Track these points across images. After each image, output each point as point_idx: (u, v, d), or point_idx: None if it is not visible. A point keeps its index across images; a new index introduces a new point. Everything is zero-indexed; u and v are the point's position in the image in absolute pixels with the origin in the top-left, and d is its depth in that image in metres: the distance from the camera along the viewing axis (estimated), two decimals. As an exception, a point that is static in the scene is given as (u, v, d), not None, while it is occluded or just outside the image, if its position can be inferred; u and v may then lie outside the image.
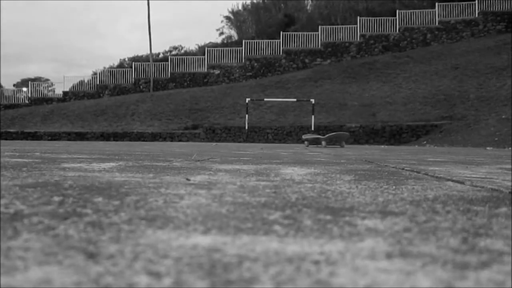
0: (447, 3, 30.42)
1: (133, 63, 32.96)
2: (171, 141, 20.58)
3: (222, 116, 23.59)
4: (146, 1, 34.67)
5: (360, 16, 31.18)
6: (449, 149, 10.95)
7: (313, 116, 20.14)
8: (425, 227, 0.75)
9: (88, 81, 32.67)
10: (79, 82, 32.90)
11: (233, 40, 40.77)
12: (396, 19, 30.36)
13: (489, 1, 30.34)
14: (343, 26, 31.15)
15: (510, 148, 12.14)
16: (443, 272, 0.46)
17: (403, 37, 30.21)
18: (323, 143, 11.90)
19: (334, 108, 22.97)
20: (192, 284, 0.41)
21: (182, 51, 43.89)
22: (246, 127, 20.78)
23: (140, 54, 43.96)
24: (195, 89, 28.37)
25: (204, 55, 31.63)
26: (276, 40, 31.04)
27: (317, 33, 30.57)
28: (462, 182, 1.62)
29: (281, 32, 31.22)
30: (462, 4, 30.42)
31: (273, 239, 0.64)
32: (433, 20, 30.40)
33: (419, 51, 28.79)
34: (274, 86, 26.78)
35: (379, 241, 0.63)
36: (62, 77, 33.25)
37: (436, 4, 30.42)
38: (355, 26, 30.40)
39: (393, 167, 2.49)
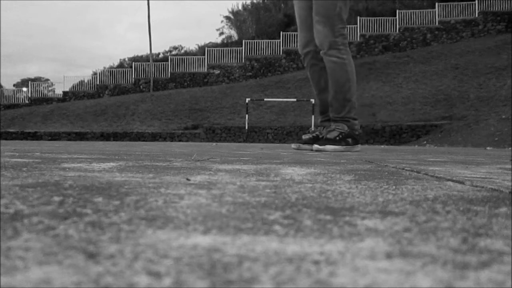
0: (447, 3, 30.42)
1: (133, 63, 32.96)
2: (171, 141, 20.57)
3: (222, 116, 23.58)
4: (146, 1, 34.67)
5: (360, 16, 31.18)
6: (449, 149, 10.95)
7: (313, 116, 20.14)
8: (425, 227, 0.75)
9: (88, 81, 32.69)
10: (79, 82, 32.92)
11: (233, 40, 40.77)
12: (396, 19, 30.35)
13: (489, 1, 30.34)
14: (343, 26, 31.13)
15: (510, 148, 12.14)
16: (443, 272, 0.46)
17: (403, 37, 30.20)
18: (323, 143, 11.88)
19: (334, 108, 22.95)
20: (192, 284, 0.41)
21: (182, 51, 43.92)
22: (246, 127, 20.78)
23: (140, 54, 44.01)
24: (195, 89, 28.36)
25: (204, 55, 31.64)
26: (276, 40, 31.04)
27: (317, 33, 30.56)
28: (462, 182, 1.62)
29: (281, 32, 31.22)
30: (462, 4, 30.42)
31: (273, 239, 0.64)
32: (433, 20, 30.40)
33: (419, 51, 28.78)
34: (274, 86, 26.77)
35: (379, 241, 0.63)
36: (62, 77, 33.28)
37: (436, 4, 30.41)
38: (355, 26, 30.39)
39: (393, 167, 2.49)
